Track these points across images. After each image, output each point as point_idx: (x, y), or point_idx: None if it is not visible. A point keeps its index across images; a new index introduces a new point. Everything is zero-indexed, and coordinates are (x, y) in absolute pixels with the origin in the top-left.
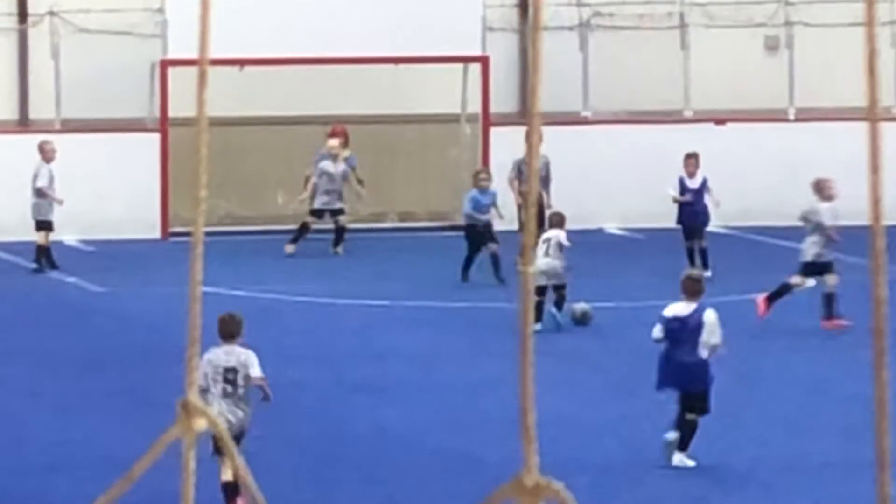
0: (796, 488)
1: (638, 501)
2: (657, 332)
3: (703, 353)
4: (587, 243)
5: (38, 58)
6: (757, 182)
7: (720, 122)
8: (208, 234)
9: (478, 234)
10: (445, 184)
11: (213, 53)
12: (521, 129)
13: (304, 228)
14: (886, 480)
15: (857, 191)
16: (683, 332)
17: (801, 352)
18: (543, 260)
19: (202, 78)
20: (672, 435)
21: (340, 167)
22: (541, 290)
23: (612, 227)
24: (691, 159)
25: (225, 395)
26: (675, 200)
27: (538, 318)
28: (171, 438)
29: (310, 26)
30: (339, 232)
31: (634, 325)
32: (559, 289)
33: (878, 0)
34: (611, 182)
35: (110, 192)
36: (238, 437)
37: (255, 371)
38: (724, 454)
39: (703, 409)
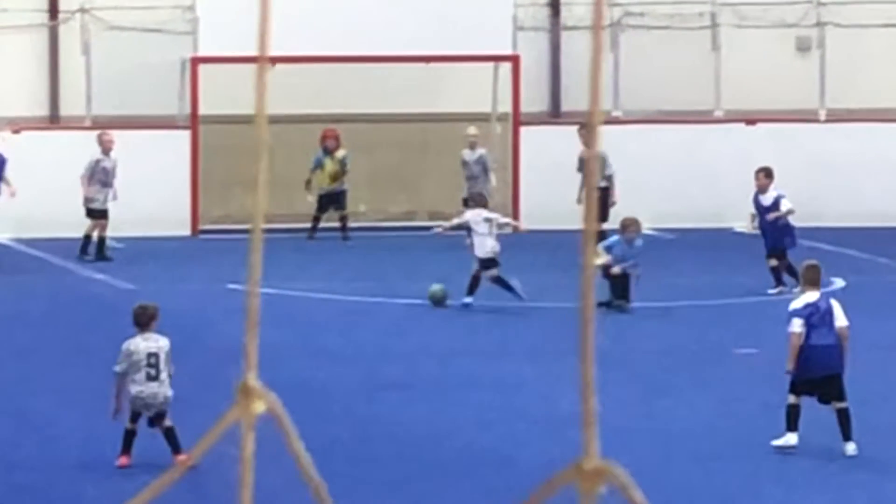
0: (824, 487)
1: (666, 500)
2: (798, 325)
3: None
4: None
5: (69, 54)
6: (787, 182)
7: (751, 122)
8: (238, 231)
9: (612, 283)
10: None
11: (244, 51)
12: (551, 129)
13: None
14: None
15: (888, 191)
16: (817, 317)
17: None
18: (490, 240)
19: (261, 77)
20: (793, 439)
21: (476, 154)
22: (492, 263)
23: (643, 227)
24: (760, 173)
25: (149, 378)
26: (755, 226)
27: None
28: (229, 422)
29: (341, 25)
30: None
31: (663, 325)
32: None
33: None
34: (641, 182)
35: (140, 189)
36: (161, 416)
37: (170, 367)
38: (753, 454)
39: (842, 394)
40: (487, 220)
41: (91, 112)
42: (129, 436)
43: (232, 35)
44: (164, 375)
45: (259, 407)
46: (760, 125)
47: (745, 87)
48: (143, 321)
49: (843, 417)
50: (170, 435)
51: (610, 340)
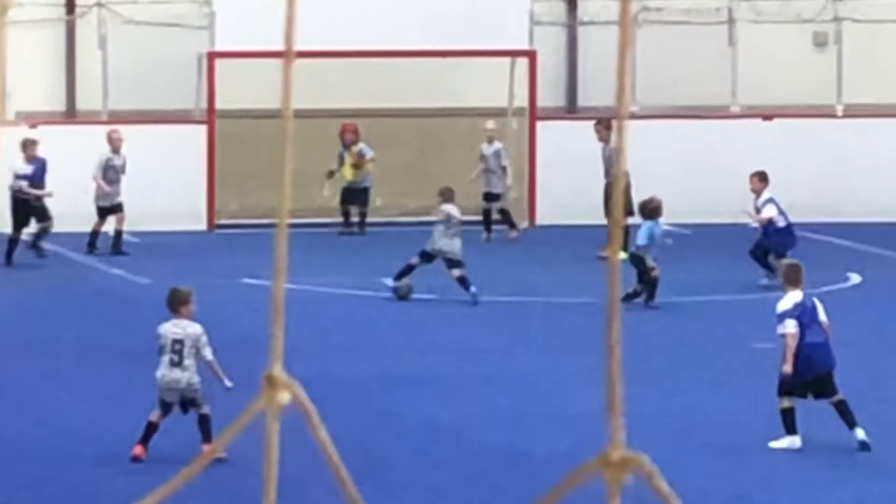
0: (840, 484)
1: (682, 498)
2: (793, 326)
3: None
4: (632, 238)
5: (86, 49)
6: (804, 178)
7: (768, 117)
8: (254, 226)
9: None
10: None
11: (261, 46)
12: (568, 124)
13: (505, 213)
14: None
15: None
16: (807, 316)
17: (848, 348)
18: (442, 241)
19: (287, 72)
20: (797, 441)
21: (493, 148)
22: (430, 258)
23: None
24: (754, 177)
25: (172, 364)
26: (755, 219)
27: (402, 277)
28: (254, 412)
29: (357, 19)
30: (503, 216)
31: (679, 320)
32: (456, 264)
33: None
34: (657, 177)
35: (156, 184)
36: (185, 404)
37: (206, 353)
38: (766, 452)
39: (837, 388)
40: (451, 218)
41: (107, 107)
42: (150, 428)
43: (248, 30)
44: (188, 362)
45: (284, 397)
46: (777, 121)
47: (761, 83)
48: (173, 305)
49: (844, 408)
50: (203, 422)
51: (626, 336)
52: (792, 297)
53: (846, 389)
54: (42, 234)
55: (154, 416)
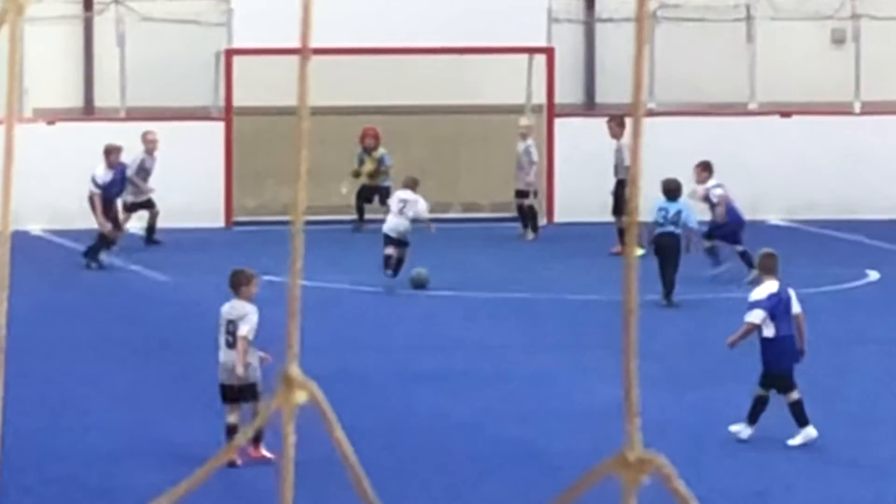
0: (859, 482)
1: (700, 495)
2: (760, 317)
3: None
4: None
5: (104, 46)
6: (822, 175)
7: (785, 114)
8: (272, 223)
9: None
10: (509, 175)
11: (279, 43)
12: (586, 121)
13: (531, 211)
14: None
15: None
16: (781, 307)
17: (866, 345)
18: (394, 218)
19: (303, 68)
20: (812, 431)
21: (524, 145)
22: (391, 241)
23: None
24: (698, 167)
25: (228, 345)
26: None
27: (391, 268)
28: (271, 411)
29: (374, 16)
30: (529, 213)
31: (697, 317)
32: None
33: None
34: (674, 174)
35: (174, 181)
36: (244, 389)
37: (242, 329)
38: (785, 449)
39: (792, 385)
40: (403, 201)
41: (125, 103)
42: (231, 430)
43: (266, 27)
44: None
45: (300, 397)
46: (795, 118)
47: (779, 80)
48: (232, 285)
49: (799, 408)
50: (231, 432)
51: (643, 333)
52: (767, 287)
53: (864, 386)
54: (100, 245)
55: (229, 417)
